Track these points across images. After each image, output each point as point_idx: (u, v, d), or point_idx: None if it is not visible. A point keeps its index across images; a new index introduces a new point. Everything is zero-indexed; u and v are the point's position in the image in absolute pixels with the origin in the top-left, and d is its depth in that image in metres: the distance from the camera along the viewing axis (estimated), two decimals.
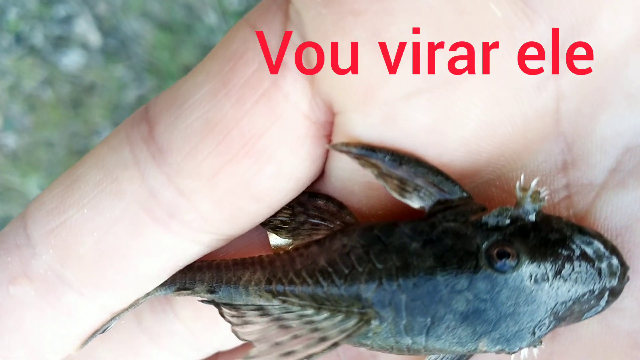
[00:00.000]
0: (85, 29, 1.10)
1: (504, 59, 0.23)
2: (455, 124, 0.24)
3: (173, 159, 0.25)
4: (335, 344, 0.25)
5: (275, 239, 0.29)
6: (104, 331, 0.28)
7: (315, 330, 0.26)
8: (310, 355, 0.25)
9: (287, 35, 0.24)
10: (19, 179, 1.10)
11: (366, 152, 0.25)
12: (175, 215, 0.26)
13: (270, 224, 0.28)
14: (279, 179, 0.26)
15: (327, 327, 0.26)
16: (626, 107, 0.25)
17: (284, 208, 0.28)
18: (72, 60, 1.10)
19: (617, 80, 0.25)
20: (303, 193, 0.28)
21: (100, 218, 0.26)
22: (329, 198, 0.28)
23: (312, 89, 0.24)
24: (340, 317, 0.26)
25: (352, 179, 0.27)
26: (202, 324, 0.30)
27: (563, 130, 0.26)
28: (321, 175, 0.28)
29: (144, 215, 0.26)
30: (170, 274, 0.28)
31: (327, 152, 0.27)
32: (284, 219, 0.28)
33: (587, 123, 0.25)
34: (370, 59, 0.23)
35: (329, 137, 0.26)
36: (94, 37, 1.10)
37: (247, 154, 0.25)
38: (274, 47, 0.24)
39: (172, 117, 0.25)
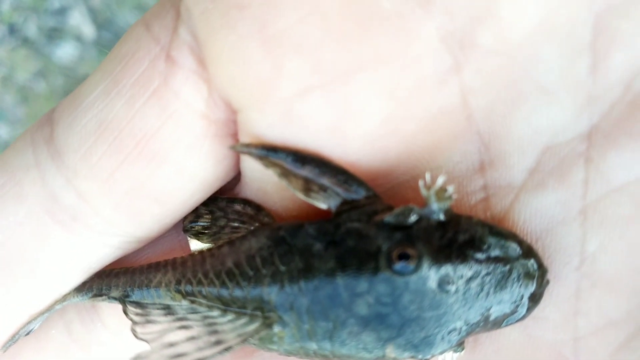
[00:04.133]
0: (79, 21, 1.10)
1: (399, 53, 0.22)
2: (355, 121, 0.23)
3: (70, 161, 0.25)
4: (229, 348, 0.24)
5: (196, 244, 0.28)
6: (27, 334, 0.28)
7: (215, 332, 0.25)
8: (201, 359, 0.24)
9: (176, 33, 0.24)
10: None
11: (267, 152, 0.24)
12: (77, 218, 0.26)
13: (192, 229, 0.28)
14: (179, 179, 0.25)
15: (226, 330, 0.25)
16: (543, 103, 0.24)
17: (204, 214, 0.28)
18: (65, 52, 1.10)
19: (531, 75, 0.23)
20: (222, 199, 0.28)
21: (4, 221, 0.26)
22: (246, 202, 0.27)
23: (208, 86, 0.24)
24: (243, 321, 0.25)
25: (264, 179, 0.26)
26: (127, 331, 0.29)
27: (478, 129, 0.24)
28: (240, 177, 0.27)
29: (47, 219, 0.26)
30: (85, 276, 0.27)
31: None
32: (205, 224, 0.28)
33: (502, 121, 0.24)
34: (259, 54, 0.22)
35: (234, 136, 0.25)
36: (88, 30, 1.10)
37: (140, 154, 0.24)
38: (164, 44, 0.24)
39: (70, 118, 0.25)
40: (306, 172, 0.24)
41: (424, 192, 0.24)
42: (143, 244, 0.28)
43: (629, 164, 0.23)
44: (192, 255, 0.27)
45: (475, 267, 0.23)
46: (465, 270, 0.23)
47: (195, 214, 0.28)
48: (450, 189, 0.24)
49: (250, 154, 0.24)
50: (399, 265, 0.23)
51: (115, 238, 0.26)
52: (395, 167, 0.25)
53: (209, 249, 0.27)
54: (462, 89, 0.23)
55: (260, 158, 0.24)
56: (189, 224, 0.28)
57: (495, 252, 0.24)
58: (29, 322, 0.28)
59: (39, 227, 0.26)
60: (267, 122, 0.24)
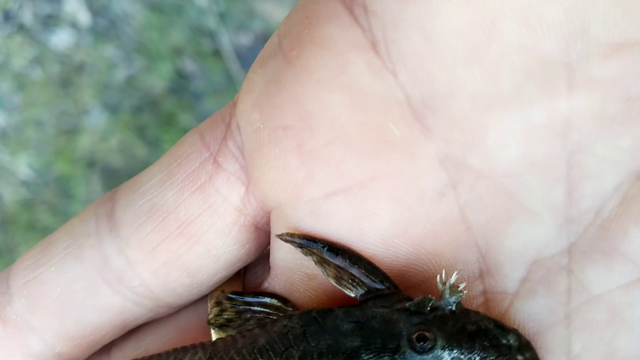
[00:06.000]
0: (74, 8, 1.09)
1: (405, 169, 0.27)
2: (369, 221, 0.28)
3: (124, 233, 0.30)
4: None
5: (218, 336, 0.31)
6: None
7: None
8: None
9: (224, 143, 0.30)
10: (8, 157, 1.11)
11: (307, 242, 0.28)
12: (122, 280, 0.30)
13: (217, 322, 0.31)
14: (208, 258, 0.30)
15: None
16: (529, 223, 0.28)
17: (229, 307, 0.31)
18: (61, 39, 1.10)
19: (517, 199, 0.28)
20: (248, 293, 0.31)
21: (63, 276, 0.31)
22: (273, 295, 0.31)
23: (245, 187, 0.30)
24: None
25: (292, 270, 0.30)
26: None
27: (476, 242, 0.29)
28: (268, 271, 0.32)
29: (98, 278, 0.31)
30: (119, 333, 0.32)
31: (259, 239, 0.31)
32: (230, 317, 0.31)
33: (496, 236, 0.28)
34: (296, 163, 0.28)
35: (257, 226, 0.31)
36: (83, 17, 1.10)
37: (180, 234, 0.30)
38: (213, 151, 0.30)
39: (129, 199, 0.31)
40: (339, 261, 0.28)
41: (440, 286, 0.27)
42: (172, 311, 0.33)
43: (603, 277, 0.28)
44: (221, 338, 0.30)
45: (482, 353, 0.27)
46: (473, 355, 0.27)
47: (220, 307, 0.31)
48: (462, 285, 0.27)
49: (293, 242, 0.29)
50: (418, 346, 0.26)
51: (150, 301, 0.31)
52: (406, 268, 0.29)
53: (240, 332, 0.30)
54: (458, 202, 0.28)
55: (301, 246, 0.29)
56: (214, 317, 0.31)
57: (498, 343, 0.27)
58: None
59: (90, 284, 0.31)
60: (299, 217, 0.29)
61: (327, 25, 0.27)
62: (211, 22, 1.10)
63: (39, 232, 1.10)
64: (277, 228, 0.30)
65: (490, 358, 0.27)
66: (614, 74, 0.26)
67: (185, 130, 1.11)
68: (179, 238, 0.30)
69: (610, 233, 0.28)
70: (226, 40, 1.10)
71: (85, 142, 1.11)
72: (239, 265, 0.32)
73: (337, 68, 0.27)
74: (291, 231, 0.29)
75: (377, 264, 0.29)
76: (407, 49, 0.26)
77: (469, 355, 0.27)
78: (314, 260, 0.29)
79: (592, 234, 0.28)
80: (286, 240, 0.29)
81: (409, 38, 0.26)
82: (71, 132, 1.11)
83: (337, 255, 0.28)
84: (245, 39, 1.10)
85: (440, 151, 0.27)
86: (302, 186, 0.28)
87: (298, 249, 0.29)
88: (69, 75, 1.10)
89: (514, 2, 0.25)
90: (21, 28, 1.10)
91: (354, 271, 0.28)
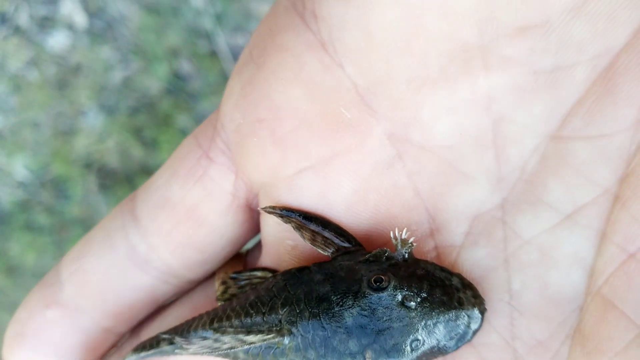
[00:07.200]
0: (71, 9, 1.10)
1: (358, 145, 0.33)
2: (334, 191, 0.34)
3: (144, 223, 0.37)
4: (252, 343, 0.33)
5: None
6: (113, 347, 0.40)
7: (242, 342, 0.34)
8: (232, 347, 0.33)
9: (213, 141, 0.36)
10: (5, 158, 1.11)
11: (286, 212, 0.34)
12: (148, 262, 0.37)
13: (223, 297, 0.37)
14: (213, 236, 0.37)
15: (250, 340, 0.34)
16: (467, 185, 0.33)
17: (232, 284, 0.37)
18: (57, 41, 1.10)
19: (455, 166, 0.33)
20: (245, 270, 0.37)
21: (101, 264, 0.38)
22: (265, 268, 0.37)
23: (235, 175, 0.36)
24: (262, 335, 0.34)
25: (278, 242, 0.36)
26: None
27: (426, 205, 0.34)
28: (261, 249, 0.38)
29: (129, 262, 0.37)
30: (152, 308, 0.40)
31: (253, 218, 0.37)
32: (234, 292, 0.37)
33: (441, 199, 0.34)
34: (271, 148, 0.34)
35: (250, 206, 0.37)
36: (79, 18, 1.10)
37: (188, 219, 0.36)
38: (206, 149, 0.36)
39: (145, 196, 0.38)
40: (313, 227, 0.34)
41: (393, 241, 0.33)
42: (191, 286, 0.40)
43: (530, 224, 0.33)
44: (222, 304, 0.37)
45: (429, 291, 0.32)
46: (422, 293, 0.32)
47: (225, 286, 0.37)
48: (412, 239, 0.33)
49: (274, 213, 0.34)
50: (374, 286, 0.32)
51: (173, 278, 0.38)
52: (369, 232, 0.35)
53: (237, 296, 0.36)
54: (407, 171, 0.33)
55: (281, 216, 0.34)
56: (221, 294, 0.37)
57: (443, 283, 0.32)
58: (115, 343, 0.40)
59: (124, 268, 0.38)
60: (279, 193, 0.34)
61: (285, 33, 0.33)
62: (207, 24, 1.10)
63: (35, 232, 1.10)
64: (264, 203, 0.35)
65: (436, 295, 0.32)
66: (521, 53, 0.30)
67: (181, 131, 1.11)
68: (187, 222, 0.36)
69: (533, 186, 0.33)
70: (222, 41, 1.10)
71: (81, 144, 1.11)
72: (241, 242, 0.38)
73: (296, 67, 0.32)
74: (273, 204, 0.35)
75: (344, 228, 0.34)
76: (350, 46, 0.31)
77: (418, 292, 0.31)
78: (293, 227, 0.34)
79: (519, 188, 0.33)
80: (269, 212, 0.35)
81: (351, 36, 0.31)
82: (67, 133, 1.11)
83: (311, 221, 0.34)
84: (241, 40, 1.10)
85: (386, 129, 0.33)
86: (278, 167, 0.34)
87: (279, 218, 0.34)
88: (65, 77, 1.10)
89: None
90: (17, 30, 1.10)
91: (326, 234, 0.34)
